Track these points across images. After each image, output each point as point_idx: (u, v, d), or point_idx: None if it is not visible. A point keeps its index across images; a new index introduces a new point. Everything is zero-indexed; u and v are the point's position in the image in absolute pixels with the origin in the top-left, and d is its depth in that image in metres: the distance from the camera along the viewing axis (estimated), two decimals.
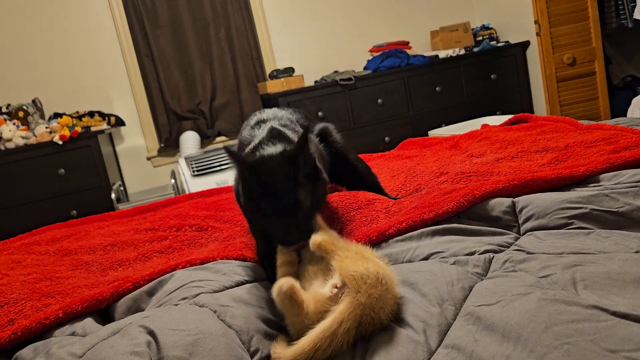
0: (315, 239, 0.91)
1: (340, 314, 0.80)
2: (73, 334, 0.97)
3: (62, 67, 3.82)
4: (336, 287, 0.83)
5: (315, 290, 0.86)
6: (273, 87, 3.76)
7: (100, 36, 3.88)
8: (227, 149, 1.04)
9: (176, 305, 0.93)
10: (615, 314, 0.76)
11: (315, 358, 0.78)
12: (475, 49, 4.10)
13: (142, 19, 3.90)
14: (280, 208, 1.00)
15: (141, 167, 4.04)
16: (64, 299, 1.15)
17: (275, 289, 0.86)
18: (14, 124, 3.37)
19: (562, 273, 0.92)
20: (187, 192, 3.45)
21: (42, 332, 1.00)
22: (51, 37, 3.79)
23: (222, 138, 4.10)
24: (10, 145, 3.32)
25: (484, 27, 4.30)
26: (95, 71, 3.89)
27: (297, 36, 4.25)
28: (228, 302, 0.92)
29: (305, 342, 0.80)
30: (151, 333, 0.79)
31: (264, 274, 1.13)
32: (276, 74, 3.84)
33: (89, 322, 1.01)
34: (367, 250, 0.96)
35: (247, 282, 1.06)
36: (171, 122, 4.03)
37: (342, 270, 0.84)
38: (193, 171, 3.53)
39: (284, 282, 0.85)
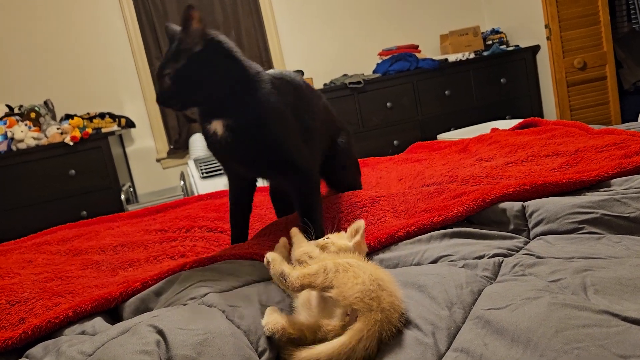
0: (294, 282, 0.86)
1: (359, 331, 0.79)
2: (83, 332, 0.98)
3: (74, 69, 3.86)
4: (347, 314, 0.82)
5: (324, 323, 0.84)
6: None
7: (111, 38, 3.91)
8: (167, 26, 1.24)
9: (185, 305, 0.94)
10: (626, 319, 0.76)
11: None
12: (485, 53, 4.09)
13: (153, 22, 3.93)
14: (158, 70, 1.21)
15: (151, 168, 4.07)
16: (74, 299, 1.16)
17: (267, 330, 0.86)
18: (25, 124, 3.41)
19: (572, 278, 0.91)
20: (196, 194, 3.46)
21: (52, 330, 1.01)
22: (63, 39, 3.83)
23: None
24: (22, 145, 3.36)
25: (494, 31, 4.29)
26: (106, 73, 3.93)
27: (307, 39, 4.26)
28: (236, 302, 0.92)
29: (321, 350, 0.79)
30: (160, 332, 0.79)
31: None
32: None
33: (98, 322, 1.01)
34: (341, 255, 0.97)
35: (255, 281, 1.06)
36: (181, 124, 4.05)
37: (345, 300, 0.81)
38: (202, 173, 3.55)
39: (272, 326, 0.85)
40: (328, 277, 0.84)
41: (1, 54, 3.75)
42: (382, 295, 0.83)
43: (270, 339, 0.86)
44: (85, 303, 1.05)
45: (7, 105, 3.59)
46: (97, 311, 1.06)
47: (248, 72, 1.23)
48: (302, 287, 0.86)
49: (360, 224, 1.11)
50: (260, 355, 0.83)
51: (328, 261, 0.88)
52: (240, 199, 1.46)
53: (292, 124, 1.30)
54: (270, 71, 1.41)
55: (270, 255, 0.91)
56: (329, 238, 1.10)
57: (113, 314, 1.09)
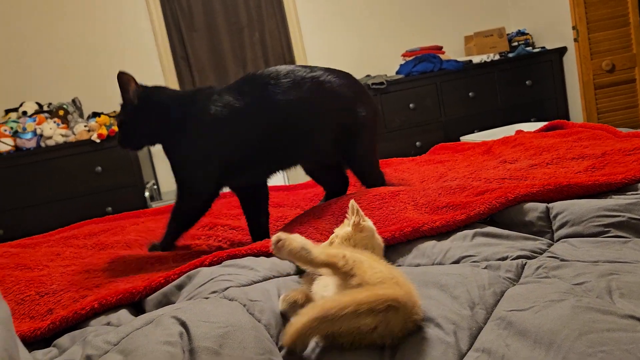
0: (319, 256, 0.85)
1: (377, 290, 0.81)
2: (108, 323, 1.01)
3: (101, 69, 3.93)
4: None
5: None
6: None
7: (138, 39, 3.98)
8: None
9: (207, 298, 0.95)
10: None
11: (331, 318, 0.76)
12: (510, 55, 4.04)
13: (179, 23, 3.99)
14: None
15: None
16: (100, 291, 1.19)
17: (289, 298, 0.90)
18: (54, 122, 3.49)
19: (597, 281, 0.90)
20: None
21: (78, 321, 1.04)
22: (91, 39, 3.91)
23: None
24: (50, 142, 3.44)
25: (520, 33, 4.23)
26: (133, 73, 3.97)
27: (330, 40, 4.27)
28: (256, 296, 0.93)
29: (332, 300, 0.80)
30: (183, 324, 0.81)
31: (290, 268, 1.15)
32: None
33: (123, 314, 1.04)
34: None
35: (275, 277, 1.07)
36: None
37: (369, 283, 0.82)
38: None
39: (293, 293, 0.89)
40: (348, 263, 0.84)
41: (31, 54, 3.84)
42: (400, 282, 0.84)
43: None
44: (110, 296, 1.08)
45: (37, 103, 3.68)
46: (121, 304, 1.08)
47: (172, 112, 1.49)
48: (325, 264, 0.85)
49: (351, 202, 1.10)
50: (280, 349, 0.83)
51: (346, 250, 0.89)
52: (245, 200, 1.60)
53: (202, 147, 1.46)
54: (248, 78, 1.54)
55: (282, 234, 0.87)
56: (334, 233, 1.11)
57: (137, 307, 1.11)
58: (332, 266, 0.85)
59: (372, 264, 0.86)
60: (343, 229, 1.10)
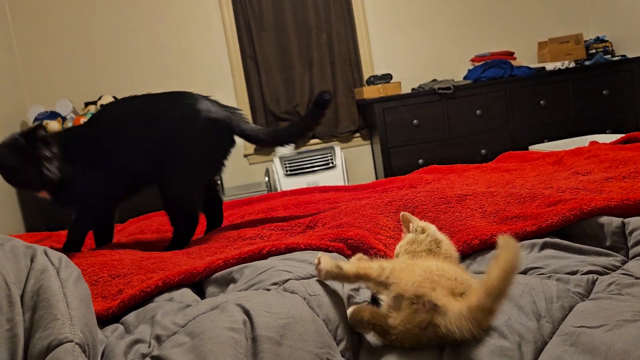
0: (349, 270, 0.91)
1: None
2: (171, 299, 1.06)
3: (172, 67, 4.10)
4: (414, 303, 0.82)
5: (392, 314, 0.86)
6: (369, 92, 3.78)
7: (210, 39, 4.11)
8: None
9: (268, 290, 0.97)
10: None
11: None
12: (587, 63, 3.86)
13: (249, 23, 4.09)
14: None
15: (238, 163, 4.23)
16: (164, 273, 1.25)
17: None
18: None
19: None
20: (279, 190, 3.56)
21: (144, 299, 1.10)
22: (165, 37, 4.08)
23: (316, 140, 4.19)
24: None
25: (599, 40, 4.03)
26: (203, 72, 4.13)
27: (398, 43, 4.24)
28: (316, 290, 0.94)
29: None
30: (247, 313, 0.83)
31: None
32: (373, 80, 3.86)
33: (186, 292, 1.09)
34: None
35: None
36: (269, 123, 4.18)
37: (407, 291, 0.83)
38: (286, 170, 3.64)
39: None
40: (384, 272, 0.87)
41: (109, 50, 4.06)
42: (440, 281, 0.83)
43: (347, 329, 0.88)
44: (173, 275, 1.14)
45: (114, 97, 3.89)
46: (183, 283, 1.14)
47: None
48: (357, 278, 0.90)
49: (401, 214, 1.15)
50: (337, 343, 0.84)
51: (387, 262, 0.91)
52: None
53: None
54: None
55: (322, 256, 0.96)
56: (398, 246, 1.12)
57: (198, 288, 1.16)
58: (365, 277, 0.89)
59: (412, 268, 0.87)
60: (405, 239, 1.11)
